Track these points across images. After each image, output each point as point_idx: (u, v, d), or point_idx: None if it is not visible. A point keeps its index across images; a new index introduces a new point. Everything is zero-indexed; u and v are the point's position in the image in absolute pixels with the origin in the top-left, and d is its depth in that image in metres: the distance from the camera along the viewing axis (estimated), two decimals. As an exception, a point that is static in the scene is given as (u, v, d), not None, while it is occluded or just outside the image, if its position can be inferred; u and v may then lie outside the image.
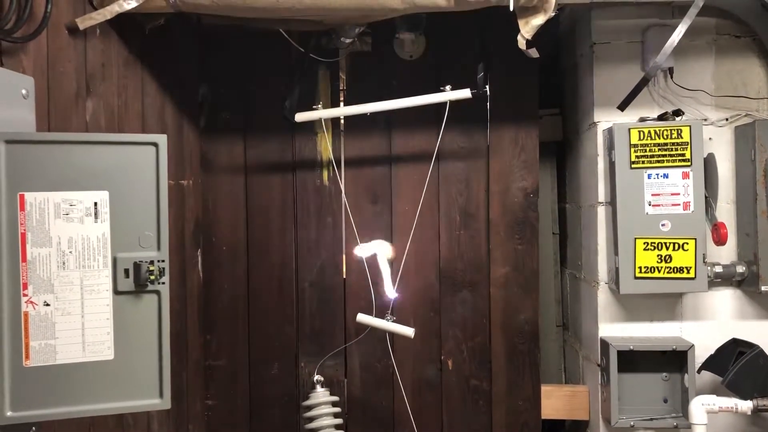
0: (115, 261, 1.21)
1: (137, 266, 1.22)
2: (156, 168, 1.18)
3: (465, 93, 2.03)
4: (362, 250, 2.30)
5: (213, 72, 2.51)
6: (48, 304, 1.17)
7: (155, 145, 1.18)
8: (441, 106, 2.24)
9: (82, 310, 1.17)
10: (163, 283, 1.22)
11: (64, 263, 1.16)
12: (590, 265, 2.46)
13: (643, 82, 1.95)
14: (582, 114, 2.56)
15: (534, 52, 1.80)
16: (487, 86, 2.00)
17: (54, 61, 1.53)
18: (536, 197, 2.48)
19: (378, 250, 2.25)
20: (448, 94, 2.04)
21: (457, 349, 2.51)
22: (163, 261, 1.21)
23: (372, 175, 2.52)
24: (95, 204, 1.17)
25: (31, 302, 1.16)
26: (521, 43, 1.76)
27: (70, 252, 1.16)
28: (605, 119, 2.34)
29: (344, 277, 2.53)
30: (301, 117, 2.18)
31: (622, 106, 2.06)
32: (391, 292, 2.20)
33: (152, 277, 1.20)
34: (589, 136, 2.45)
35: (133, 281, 1.21)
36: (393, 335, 2.38)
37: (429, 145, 2.48)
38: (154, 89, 2.10)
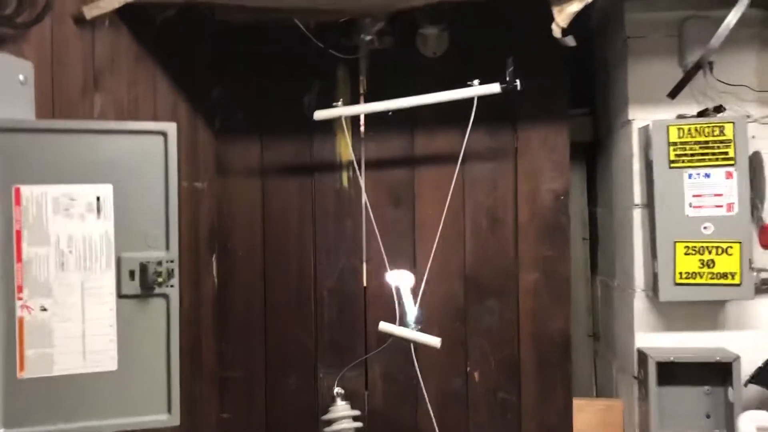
0: (119, 262, 1.10)
1: (144, 267, 1.11)
2: (165, 159, 1.07)
3: (494, 88, 1.92)
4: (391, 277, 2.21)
5: (227, 71, 2.42)
6: (45, 309, 1.06)
7: (164, 134, 1.08)
8: (466, 104, 2.13)
9: (83, 315, 1.06)
10: (172, 285, 1.11)
11: (63, 264, 1.06)
12: (625, 271, 2.33)
13: (696, 69, 1.84)
14: (615, 112, 2.44)
15: (571, 40, 1.69)
16: (518, 81, 1.88)
17: (59, 52, 1.44)
18: (567, 200, 2.35)
19: (401, 282, 2.14)
20: (477, 89, 1.93)
21: (484, 360, 2.38)
22: (172, 261, 1.10)
23: (394, 177, 2.40)
24: (98, 199, 1.06)
25: (27, 307, 1.06)
26: (556, 32, 1.64)
27: (70, 252, 1.06)
28: (641, 117, 2.22)
29: (365, 284, 2.41)
30: (320, 114, 2.08)
31: (673, 94, 1.96)
32: (413, 316, 2.10)
33: (160, 280, 1.10)
34: (623, 135, 2.33)
35: (139, 284, 1.11)
36: (417, 345, 2.26)
37: (453, 146, 2.36)
38: (167, 87, 2.01)
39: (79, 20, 1.52)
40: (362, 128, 2.40)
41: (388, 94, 2.25)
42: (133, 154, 1.08)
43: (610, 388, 2.57)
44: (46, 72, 1.37)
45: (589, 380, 2.78)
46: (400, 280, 2.13)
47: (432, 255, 2.27)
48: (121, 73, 1.73)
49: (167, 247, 1.11)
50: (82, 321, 1.07)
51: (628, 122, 2.24)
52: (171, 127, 1.10)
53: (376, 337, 2.37)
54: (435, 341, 1.99)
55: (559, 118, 2.35)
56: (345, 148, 2.39)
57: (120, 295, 1.10)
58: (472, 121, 2.02)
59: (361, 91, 2.41)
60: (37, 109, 1.27)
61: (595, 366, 2.78)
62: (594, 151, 2.77)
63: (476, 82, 1.93)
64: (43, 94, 1.34)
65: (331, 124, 2.39)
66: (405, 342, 2.19)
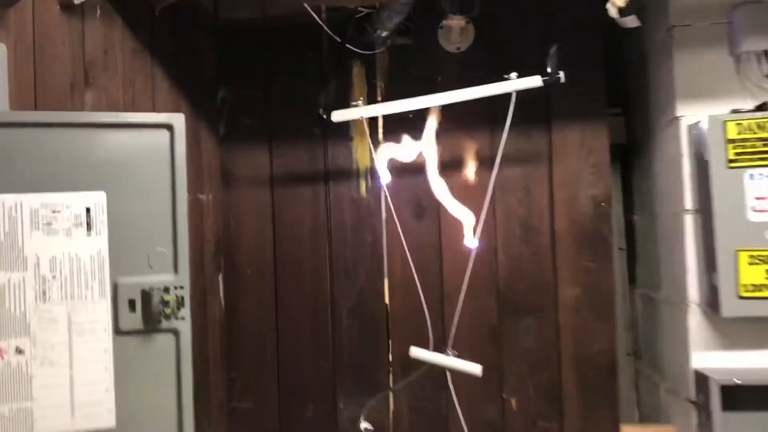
0: (115, 289, 0.88)
1: (147, 296, 0.89)
2: (171, 159, 0.86)
3: (535, 81, 1.71)
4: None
5: (232, 72, 2.21)
6: (21, 352, 0.83)
7: (169, 127, 0.87)
8: (494, 103, 1.94)
9: (71, 358, 0.84)
10: (183, 318, 0.89)
11: (44, 293, 0.83)
12: (676, 284, 2.11)
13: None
14: (657, 110, 2.23)
15: (633, 20, 1.48)
16: (561, 73, 1.67)
17: (43, 41, 1.23)
18: (609, 206, 2.14)
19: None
20: (515, 83, 1.71)
21: (521, 385, 2.15)
22: (182, 288, 0.89)
23: (416, 185, 2.18)
24: (87, 210, 0.84)
25: (-2, 349, 0.83)
26: (612, 12, 1.44)
27: (53, 277, 0.84)
28: (690, 113, 2.01)
29: (387, 302, 2.19)
30: (339, 115, 1.86)
31: None
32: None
33: (168, 311, 0.87)
34: (668, 134, 2.12)
35: (141, 317, 0.89)
36: (446, 372, 2.04)
37: (482, 149, 2.16)
38: (167, 87, 1.80)
39: (66, 5, 1.30)
40: (380, 131, 2.19)
41: (408, 92, 2.04)
42: (132, 153, 0.86)
43: (656, 411, 2.34)
44: (26, 61, 1.16)
45: (630, 403, 2.55)
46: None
47: (465, 270, 2.05)
48: (115, 68, 1.52)
49: (175, 270, 0.89)
50: (69, 366, 0.83)
51: (676, 119, 2.04)
52: (178, 120, 0.88)
53: (401, 361, 2.15)
54: (475, 369, 1.77)
55: (598, 116, 2.15)
56: (363, 154, 2.17)
57: (117, 332, 0.87)
58: (509, 120, 1.80)
59: (379, 91, 2.20)
60: (17, 103, 1.06)
61: (637, 387, 2.55)
62: (628, 154, 2.56)
63: (514, 75, 1.72)
64: (24, 86, 1.12)
65: (346, 128, 2.18)
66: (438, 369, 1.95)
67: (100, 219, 0.86)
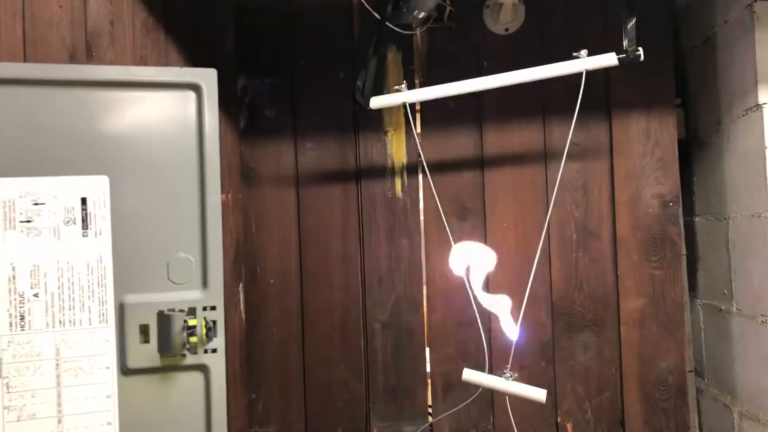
0: (122, 311, 0.63)
1: (165, 320, 0.63)
2: (198, 131, 0.62)
3: (609, 59, 1.47)
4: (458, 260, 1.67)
5: (254, 58, 1.99)
6: (-8, 398, 0.60)
7: (196, 88, 0.63)
8: (546, 91, 1.71)
9: (59, 406, 0.59)
10: (215, 350, 0.65)
11: (22, 317, 0.59)
12: (753, 294, 1.86)
13: None
14: (728, 99, 1.99)
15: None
16: (641, 49, 1.44)
17: (35, 3, 1.00)
18: (677, 206, 1.91)
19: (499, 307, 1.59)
20: (585, 62, 1.48)
21: (578, 408, 1.91)
22: (213, 309, 0.65)
23: (458, 183, 1.95)
24: (83, 201, 0.60)
25: (-38, 393, 0.59)
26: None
27: (35, 295, 0.59)
28: (773, 100, 1.77)
29: (425, 315, 1.96)
30: (377, 101, 1.63)
31: None
32: (513, 332, 1.60)
33: (194, 340, 0.63)
34: (743, 126, 1.88)
35: (157, 349, 0.63)
36: (493, 391, 1.80)
37: (532, 143, 1.93)
38: (183, 70, 1.57)
39: (65, -39, 1.08)
40: (418, 123, 1.95)
41: (450, 79, 1.81)
42: (145, 122, 0.62)
43: (725, 436, 2.09)
44: (13, 21, 0.93)
45: (692, 426, 2.29)
46: (499, 304, 1.62)
47: (514, 279, 1.82)
48: (123, 42, 1.29)
49: (204, 284, 0.64)
50: (57, 419, 0.59)
51: (757, 108, 1.79)
52: (208, 76, 0.64)
53: (442, 381, 1.92)
54: (540, 394, 1.52)
55: (665, 104, 1.91)
56: (399, 148, 1.94)
57: (124, 371, 0.61)
58: (578, 108, 1.56)
59: (417, 79, 1.97)
60: None
61: (699, 407, 2.30)
62: (689, 149, 2.31)
63: (584, 52, 1.48)
64: (10, 52, 0.90)
65: (380, 120, 1.95)
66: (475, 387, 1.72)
67: (101, 214, 0.61)
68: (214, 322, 0.66)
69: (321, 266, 1.97)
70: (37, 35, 1.01)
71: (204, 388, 0.67)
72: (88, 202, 0.64)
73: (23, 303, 0.63)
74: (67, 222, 0.62)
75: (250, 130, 1.98)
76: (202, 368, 0.68)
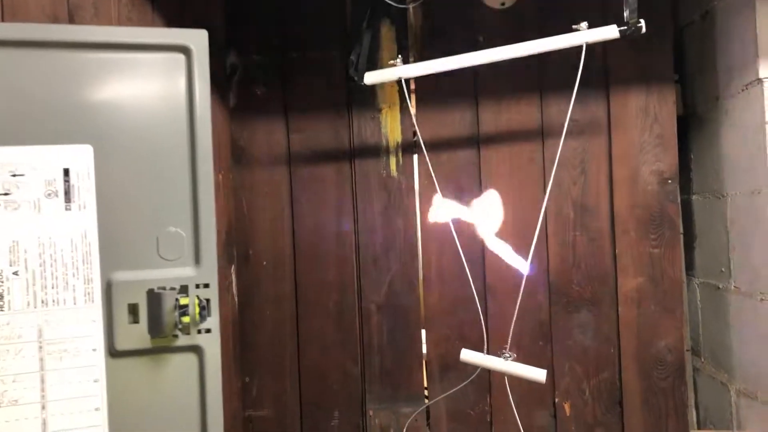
0: (109, 289, 0.59)
1: (155, 299, 0.60)
2: (188, 97, 0.58)
3: (610, 31, 1.43)
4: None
5: (244, 34, 1.93)
6: (-29, 384, 0.56)
7: (185, 50, 0.59)
8: (544, 67, 1.67)
9: (43, 393, 0.55)
10: (209, 330, 0.62)
11: (1, 296, 0.55)
12: (752, 272, 1.84)
13: None
14: (727, 74, 1.95)
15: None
16: (642, 22, 1.40)
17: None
18: (676, 183, 1.88)
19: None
20: (585, 34, 1.44)
21: (576, 388, 1.89)
22: (207, 286, 0.61)
23: (454, 161, 1.92)
24: (66, 172, 0.56)
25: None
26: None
27: (15, 273, 0.55)
28: (774, 74, 1.74)
29: (421, 296, 1.93)
30: (372, 77, 1.59)
31: None
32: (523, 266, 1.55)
33: (186, 320, 0.60)
34: (743, 101, 1.85)
35: (147, 329, 0.60)
36: (490, 372, 1.78)
37: (529, 120, 1.90)
38: (170, 45, 1.52)
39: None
40: (413, 101, 1.91)
41: (444, 54, 1.76)
42: (131, 88, 0.58)
43: (722, 415, 2.08)
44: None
45: (688, 405, 2.29)
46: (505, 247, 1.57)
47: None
48: (108, 15, 1.24)
49: (197, 260, 0.60)
50: (41, 405, 0.55)
51: (757, 82, 1.76)
52: (198, 38, 0.60)
53: (438, 362, 1.90)
54: (539, 374, 1.50)
55: (664, 79, 1.88)
56: (394, 126, 1.90)
57: (112, 353, 0.58)
58: (578, 81, 1.52)
59: (411, 54, 1.93)
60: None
61: (696, 387, 2.29)
62: (685, 127, 2.28)
63: (584, 25, 1.44)
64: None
65: (373, 97, 1.91)
66: (473, 368, 1.70)
67: (85, 186, 0.57)
68: (208, 300, 0.63)
69: (315, 247, 1.93)
70: (15, 2, 0.96)
71: (198, 370, 0.64)
72: (71, 173, 0.60)
73: (2, 282, 0.59)
74: (49, 195, 0.58)
75: (241, 108, 1.93)
76: (196, 349, 0.65)
